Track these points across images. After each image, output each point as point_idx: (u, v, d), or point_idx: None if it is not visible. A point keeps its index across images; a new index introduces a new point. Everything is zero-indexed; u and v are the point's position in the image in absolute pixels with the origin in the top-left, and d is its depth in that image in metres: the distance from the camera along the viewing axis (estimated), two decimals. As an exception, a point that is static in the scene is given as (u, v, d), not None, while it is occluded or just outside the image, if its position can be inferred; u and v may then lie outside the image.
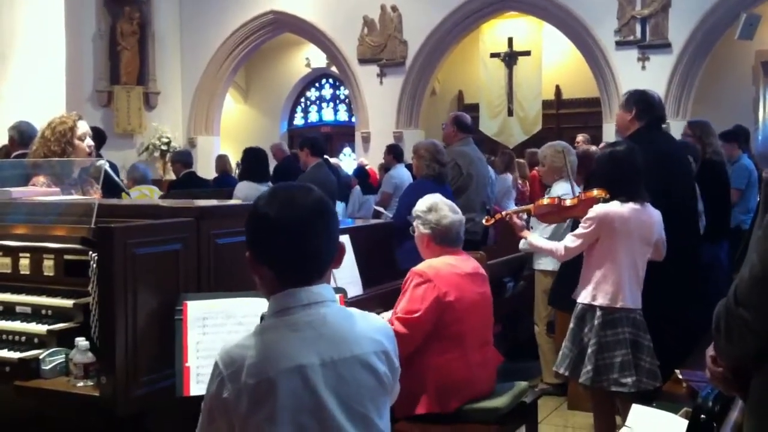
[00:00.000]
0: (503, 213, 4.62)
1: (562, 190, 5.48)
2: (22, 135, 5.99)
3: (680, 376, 3.59)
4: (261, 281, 1.97)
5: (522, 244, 5.74)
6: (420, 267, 3.60)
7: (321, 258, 1.97)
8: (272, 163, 9.04)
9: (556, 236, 5.07)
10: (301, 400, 1.84)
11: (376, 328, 2.03)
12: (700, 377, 3.30)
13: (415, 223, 3.76)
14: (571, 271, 4.36)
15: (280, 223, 1.91)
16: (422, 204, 3.75)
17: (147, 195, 7.18)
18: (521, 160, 10.43)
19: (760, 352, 1.75)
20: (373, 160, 12.46)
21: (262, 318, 2.05)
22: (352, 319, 2.00)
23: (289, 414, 1.83)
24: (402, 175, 8.42)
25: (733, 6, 11.16)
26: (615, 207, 4.08)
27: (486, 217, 4.71)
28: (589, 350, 4.03)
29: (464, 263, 3.69)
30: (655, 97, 4.90)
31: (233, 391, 1.84)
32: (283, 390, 1.83)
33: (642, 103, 4.69)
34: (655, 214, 4.16)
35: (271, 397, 1.82)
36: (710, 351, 1.95)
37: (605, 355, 4.01)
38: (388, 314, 3.64)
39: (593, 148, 7.04)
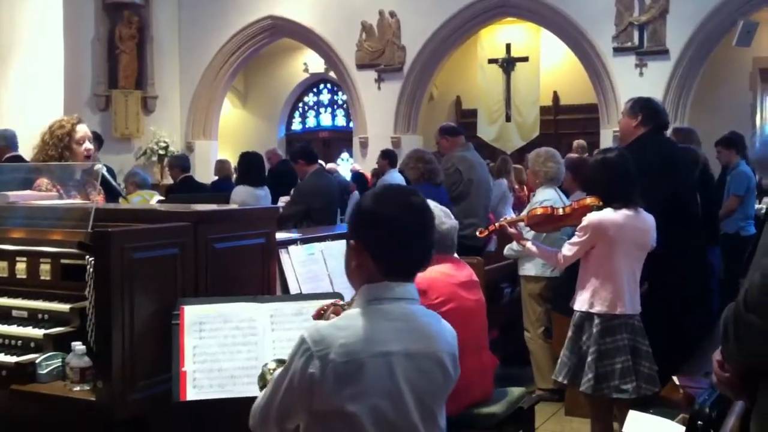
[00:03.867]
0: (497, 224, 4.59)
1: (544, 196, 5.52)
2: (7, 140, 6.40)
3: (677, 382, 3.60)
4: (358, 269, 2.09)
5: (507, 250, 5.77)
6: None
7: (419, 258, 2.13)
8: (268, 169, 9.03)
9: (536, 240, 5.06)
10: (383, 385, 1.96)
11: (449, 331, 2.17)
12: (697, 383, 3.30)
13: None
14: (575, 276, 4.35)
15: (396, 220, 2.05)
16: None
17: (148, 200, 7.18)
18: (518, 166, 10.43)
19: None
20: (370, 166, 12.46)
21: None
22: (434, 319, 2.15)
23: (370, 397, 1.94)
24: (395, 180, 8.41)
25: (731, 13, 11.19)
26: (608, 214, 4.08)
27: (480, 229, 4.67)
28: (589, 358, 4.03)
29: (459, 271, 3.67)
30: (659, 104, 4.95)
31: (320, 367, 1.93)
32: (369, 372, 1.94)
33: (647, 109, 4.74)
34: (649, 220, 4.16)
35: (358, 378, 1.93)
36: (717, 356, 1.94)
37: (605, 362, 4.00)
38: None
39: (573, 155, 7.08)
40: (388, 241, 2.05)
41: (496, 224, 4.60)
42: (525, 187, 10.17)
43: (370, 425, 1.94)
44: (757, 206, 7.95)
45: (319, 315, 2.48)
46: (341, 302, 2.48)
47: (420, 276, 3.52)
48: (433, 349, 2.06)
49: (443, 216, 3.67)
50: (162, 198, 7.68)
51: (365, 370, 1.94)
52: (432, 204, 3.71)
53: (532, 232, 5.00)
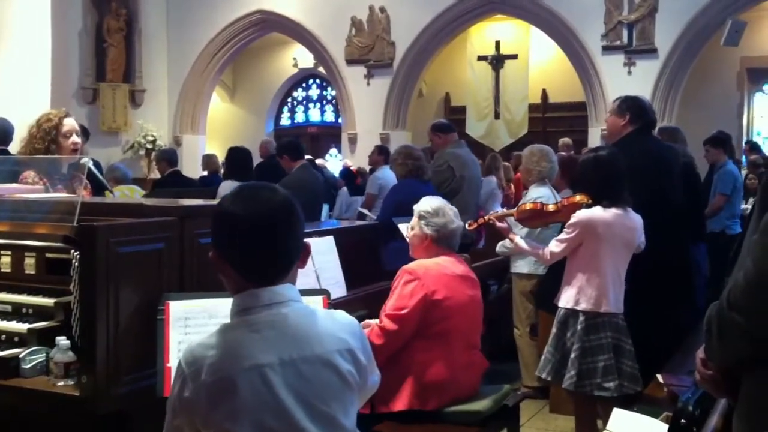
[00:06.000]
0: (486, 217, 4.61)
1: (537, 193, 5.52)
2: None
3: (661, 380, 3.61)
4: (226, 280, 1.98)
5: (499, 248, 5.77)
6: (410, 265, 3.64)
7: (284, 258, 1.97)
8: (257, 160, 9.01)
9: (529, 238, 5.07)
10: (261, 400, 1.84)
11: (340, 326, 2.02)
12: (681, 381, 3.32)
13: (415, 222, 3.76)
14: (560, 273, 4.37)
15: (243, 222, 1.91)
16: (427, 205, 3.76)
17: (128, 195, 7.14)
18: (506, 163, 10.44)
19: (753, 356, 1.76)
20: (359, 162, 12.45)
21: None
22: (315, 318, 1.99)
23: (249, 413, 1.83)
24: (387, 176, 8.39)
25: (719, 12, 11.23)
26: (598, 212, 4.09)
27: (469, 222, 4.69)
28: (573, 355, 4.05)
29: (455, 265, 3.71)
30: (646, 102, 4.97)
31: (193, 389, 1.85)
32: (242, 389, 1.83)
33: (635, 108, 4.76)
34: (637, 219, 4.18)
35: (231, 395, 1.83)
36: (700, 353, 1.95)
37: (588, 359, 4.03)
38: (372, 321, 3.64)
39: (562, 153, 7.10)
40: (241, 245, 1.91)
41: (486, 217, 4.62)
42: (512, 185, 10.19)
43: None
44: (743, 206, 8.00)
45: None
46: None
47: (416, 264, 3.61)
48: (314, 352, 1.92)
49: (452, 215, 3.76)
50: (144, 192, 7.64)
51: (238, 387, 1.82)
52: (442, 201, 3.80)
53: (525, 229, 5.03)
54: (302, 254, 2.01)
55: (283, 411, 1.85)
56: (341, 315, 2.08)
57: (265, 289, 1.93)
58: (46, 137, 3.99)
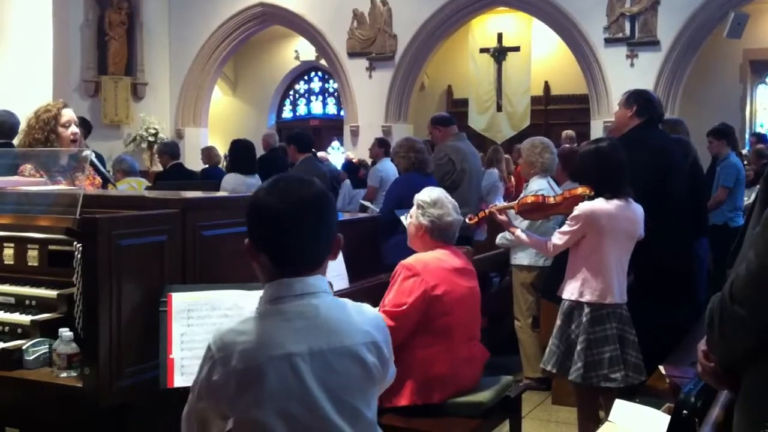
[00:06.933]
0: (486, 211, 4.59)
1: (538, 185, 5.52)
2: (1, 125, 5.89)
3: (664, 372, 3.61)
4: (259, 268, 2.01)
5: (499, 239, 5.76)
6: (409, 260, 3.61)
7: (317, 249, 2.00)
8: (260, 153, 9.00)
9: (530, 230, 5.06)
10: (289, 388, 1.87)
11: (367, 320, 2.05)
12: (683, 373, 3.32)
13: (414, 212, 3.75)
14: (565, 264, 4.37)
15: (279, 212, 1.94)
16: (427, 195, 3.74)
17: (135, 187, 7.14)
18: (507, 156, 10.43)
19: (754, 349, 1.76)
20: (361, 154, 12.45)
21: None
22: (345, 311, 2.02)
23: (275, 401, 1.86)
24: (388, 168, 8.39)
25: (722, 5, 11.22)
26: (601, 204, 4.09)
27: (470, 215, 4.66)
28: (578, 347, 4.04)
29: (453, 258, 3.69)
30: (654, 96, 4.99)
31: (222, 374, 1.88)
32: (270, 377, 1.86)
33: (642, 101, 4.79)
34: (638, 210, 4.17)
35: (259, 383, 1.86)
36: (702, 346, 1.95)
37: (594, 351, 4.02)
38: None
39: (564, 145, 7.08)
40: (276, 235, 1.95)
41: (486, 211, 4.59)
42: (512, 178, 10.17)
43: (284, 430, 1.87)
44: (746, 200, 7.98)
45: None
46: None
47: (414, 259, 3.59)
48: (344, 344, 1.95)
49: (450, 208, 3.73)
50: (149, 185, 7.64)
51: (266, 375, 1.86)
52: (442, 193, 3.79)
53: (526, 222, 5.02)
54: (334, 247, 2.04)
55: (309, 400, 1.89)
56: (368, 308, 2.12)
57: (297, 279, 1.96)
58: (45, 128, 4.01)
